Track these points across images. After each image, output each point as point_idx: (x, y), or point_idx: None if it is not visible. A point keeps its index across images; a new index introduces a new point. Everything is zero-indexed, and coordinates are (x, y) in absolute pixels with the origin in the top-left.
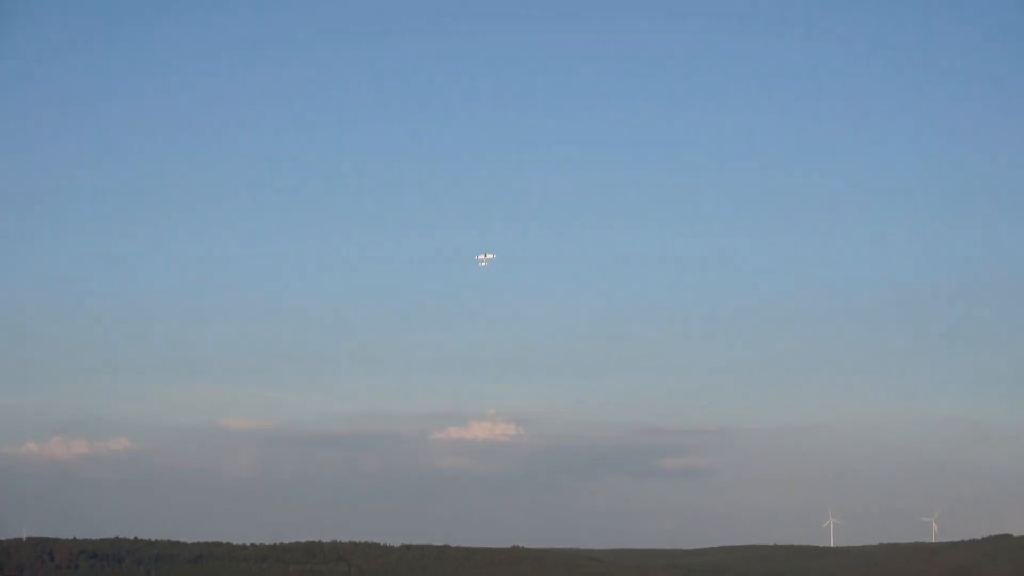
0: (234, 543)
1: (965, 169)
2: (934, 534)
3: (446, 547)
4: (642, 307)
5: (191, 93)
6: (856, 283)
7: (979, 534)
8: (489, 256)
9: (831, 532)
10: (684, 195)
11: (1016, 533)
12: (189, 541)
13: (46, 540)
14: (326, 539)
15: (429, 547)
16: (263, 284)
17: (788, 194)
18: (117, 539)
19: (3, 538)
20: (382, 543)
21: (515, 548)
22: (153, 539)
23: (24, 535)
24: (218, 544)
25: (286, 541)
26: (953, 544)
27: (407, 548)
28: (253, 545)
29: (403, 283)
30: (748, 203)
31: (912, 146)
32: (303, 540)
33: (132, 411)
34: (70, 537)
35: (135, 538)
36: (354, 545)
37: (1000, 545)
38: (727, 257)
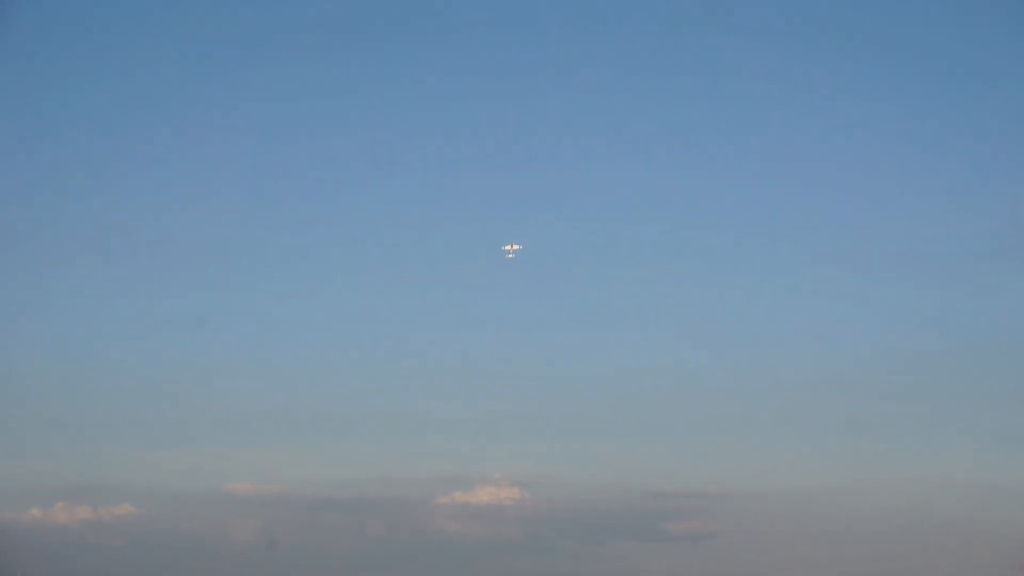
0: None
1: (963, 227)
2: None
3: None
4: (646, 369)
5: (190, 149)
6: (862, 345)
7: None
8: (516, 247)
9: None
10: (685, 253)
11: None
12: None
13: None
14: None
15: None
16: (266, 348)
17: (790, 255)
18: None
19: None
20: None
21: None
22: None
23: None
24: None
25: None
26: None
27: None
28: None
29: (407, 348)
30: (749, 263)
31: (912, 203)
32: None
33: (136, 476)
34: None
35: None
36: None
37: None
38: (732, 318)
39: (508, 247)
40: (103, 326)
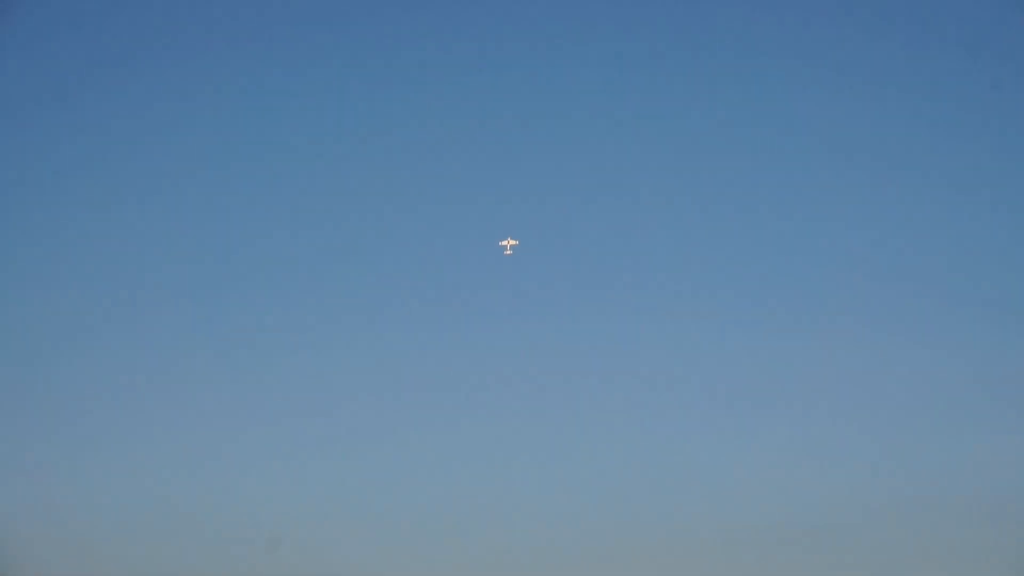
0: None
1: (950, 377)
2: None
3: None
4: (624, 521)
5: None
6: (848, 497)
7: None
8: (512, 242)
9: None
10: (658, 405)
11: None
12: None
13: None
14: None
15: None
16: (230, 506)
17: (772, 403)
18: None
19: None
20: None
21: None
22: None
23: None
24: None
25: None
26: None
27: None
28: None
29: (381, 502)
30: (732, 413)
31: (891, 344)
32: None
33: None
34: None
35: None
36: None
37: None
38: (713, 473)
39: (505, 242)
40: (76, 473)
